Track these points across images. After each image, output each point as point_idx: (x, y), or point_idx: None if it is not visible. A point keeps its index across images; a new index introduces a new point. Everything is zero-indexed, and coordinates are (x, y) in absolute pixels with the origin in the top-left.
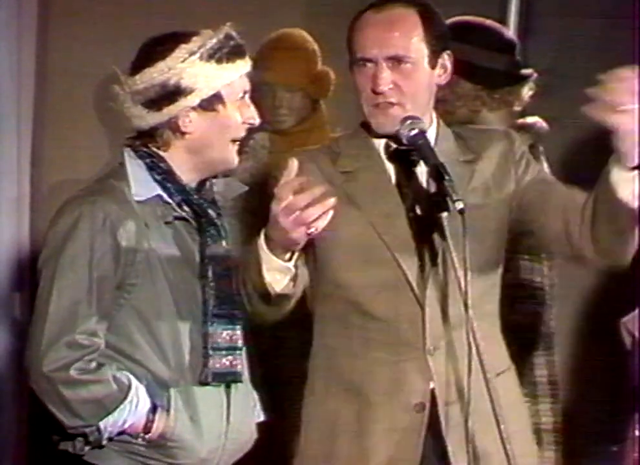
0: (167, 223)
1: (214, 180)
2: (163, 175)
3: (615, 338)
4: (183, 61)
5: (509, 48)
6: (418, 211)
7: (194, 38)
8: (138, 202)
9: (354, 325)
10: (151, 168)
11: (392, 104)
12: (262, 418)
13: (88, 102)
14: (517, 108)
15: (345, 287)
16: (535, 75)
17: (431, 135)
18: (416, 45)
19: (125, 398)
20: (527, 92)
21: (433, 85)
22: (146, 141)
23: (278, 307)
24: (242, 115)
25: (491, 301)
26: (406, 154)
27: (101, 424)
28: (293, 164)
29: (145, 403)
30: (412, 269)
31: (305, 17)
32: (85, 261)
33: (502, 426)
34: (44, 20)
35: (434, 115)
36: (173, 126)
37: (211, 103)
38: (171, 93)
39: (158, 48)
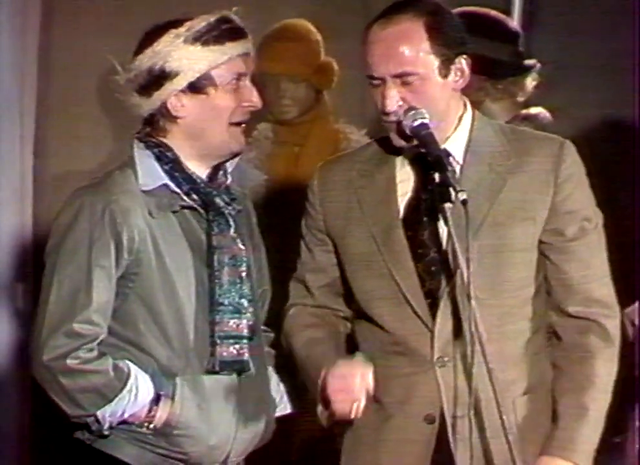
0: (174, 212)
1: (229, 169)
2: (171, 164)
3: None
4: (169, 45)
5: (512, 38)
6: (424, 218)
7: (186, 23)
8: (145, 192)
9: (374, 336)
10: (159, 157)
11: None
12: (288, 410)
13: (91, 94)
14: (520, 99)
15: (356, 297)
16: (539, 65)
17: (463, 138)
18: (423, 59)
19: (124, 387)
20: (530, 82)
21: (448, 92)
22: (149, 130)
23: None
24: (238, 97)
25: (516, 321)
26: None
27: (99, 414)
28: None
29: (147, 392)
30: (406, 282)
31: (309, 6)
32: (84, 252)
33: (512, 444)
34: (47, 13)
35: (467, 116)
36: (165, 112)
37: (201, 86)
38: (158, 78)
39: (150, 35)
